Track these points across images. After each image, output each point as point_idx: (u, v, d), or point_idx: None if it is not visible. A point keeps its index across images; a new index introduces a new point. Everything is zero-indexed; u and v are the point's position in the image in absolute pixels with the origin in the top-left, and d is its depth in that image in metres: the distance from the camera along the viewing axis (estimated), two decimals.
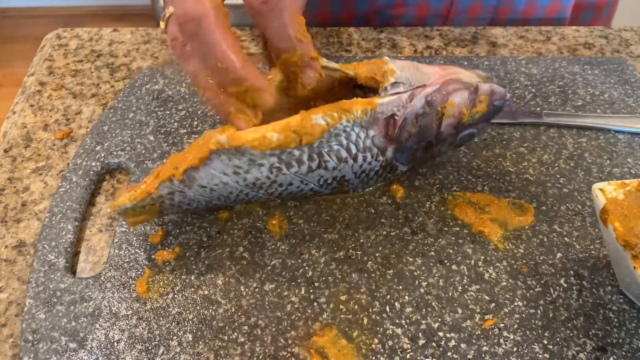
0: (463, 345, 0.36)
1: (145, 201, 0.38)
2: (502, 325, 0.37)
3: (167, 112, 0.51)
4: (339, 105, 0.36)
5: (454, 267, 0.40)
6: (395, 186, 0.44)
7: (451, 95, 0.39)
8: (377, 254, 0.40)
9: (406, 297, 0.38)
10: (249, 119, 0.36)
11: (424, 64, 0.41)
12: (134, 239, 0.42)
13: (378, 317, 0.37)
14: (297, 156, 0.36)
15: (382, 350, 0.36)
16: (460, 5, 0.62)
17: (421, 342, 0.36)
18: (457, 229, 0.42)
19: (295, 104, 0.39)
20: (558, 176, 0.45)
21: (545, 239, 0.41)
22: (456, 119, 0.40)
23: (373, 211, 0.43)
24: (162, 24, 0.37)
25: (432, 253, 0.40)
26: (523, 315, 0.37)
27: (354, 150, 0.38)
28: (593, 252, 0.40)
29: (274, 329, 0.37)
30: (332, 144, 0.37)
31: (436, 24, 0.64)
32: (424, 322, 0.37)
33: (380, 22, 0.65)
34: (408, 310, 0.37)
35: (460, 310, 0.37)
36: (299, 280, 0.39)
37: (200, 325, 0.37)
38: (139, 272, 0.40)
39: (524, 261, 0.40)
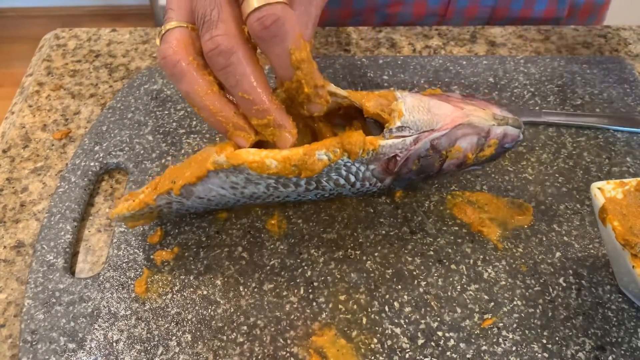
0: (462, 345, 0.36)
1: (143, 210, 0.38)
2: (501, 324, 0.37)
3: (166, 112, 0.51)
4: (342, 141, 0.36)
5: (452, 266, 0.40)
6: None
7: (459, 141, 0.38)
8: (376, 254, 0.40)
9: (405, 297, 0.38)
10: (248, 135, 0.36)
11: (440, 99, 0.40)
12: (133, 239, 0.41)
13: (377, 317, 0.37)
14: (295, 181, 0.37)
15: (381, 350, 0.36)
16: (457, 5, 0.62)
17: (420, 341, 0.36)
18: (456, 228, 0.42)
19: (297, 121, 0.38)
20: (557, 175, 0.45)
21: (544, 238, 0.41)
22: (460, 160, 0.40)
23: (372, 211, 0.43)
24: (157, 41, 0.37)
25: (431, 252, 0.40)
26: (522, 314, 0.37)
27: (352, 179, 0.38)
28: (592, 251, 0.40)
29: (273, 329, 0.37)
30: (331, 175, 0.37)
31: (433, 23, 0.64)
32: (423, 321, 0.37)
33: (377, 21, 0.65)
34: (407, 309, 0.37)
35: (459, 310, 0.37)
36: (297, 280, 0.39)
37: (199, 326, 0.37)
38: (137, 272, 0.40)
39: (523, 260, 0.40)
